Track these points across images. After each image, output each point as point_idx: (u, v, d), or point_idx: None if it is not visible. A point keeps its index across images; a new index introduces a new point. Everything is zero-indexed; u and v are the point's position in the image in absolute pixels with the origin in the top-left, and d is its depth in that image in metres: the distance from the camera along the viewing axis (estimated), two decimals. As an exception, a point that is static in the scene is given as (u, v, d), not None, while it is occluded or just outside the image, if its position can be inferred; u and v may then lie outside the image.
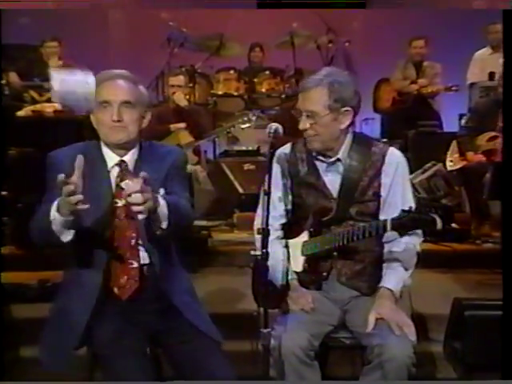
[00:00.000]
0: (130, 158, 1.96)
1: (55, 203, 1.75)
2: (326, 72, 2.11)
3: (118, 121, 1.89)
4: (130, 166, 1.95)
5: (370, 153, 2.15)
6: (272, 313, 1.97)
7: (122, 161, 1.95)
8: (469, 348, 2.46)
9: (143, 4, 6.38)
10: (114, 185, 1.93)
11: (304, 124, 2.10)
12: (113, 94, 1.90)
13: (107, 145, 1.95)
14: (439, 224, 1.85)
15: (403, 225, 1.90)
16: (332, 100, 2.05)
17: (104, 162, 1.95)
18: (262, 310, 1.87)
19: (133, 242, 1.92)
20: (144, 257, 1.95)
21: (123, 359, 1.81)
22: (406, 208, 1.91)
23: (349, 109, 2.09)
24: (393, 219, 1.93)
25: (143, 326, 1.93)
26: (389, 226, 1.93)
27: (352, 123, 2.15)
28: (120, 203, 1.90)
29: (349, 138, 2.16)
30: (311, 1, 5.55)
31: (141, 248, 1.94)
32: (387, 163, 2.14)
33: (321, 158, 2.17)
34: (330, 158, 2.16)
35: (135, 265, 1.92)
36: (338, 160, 2.15)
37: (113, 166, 1.95)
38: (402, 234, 1.98)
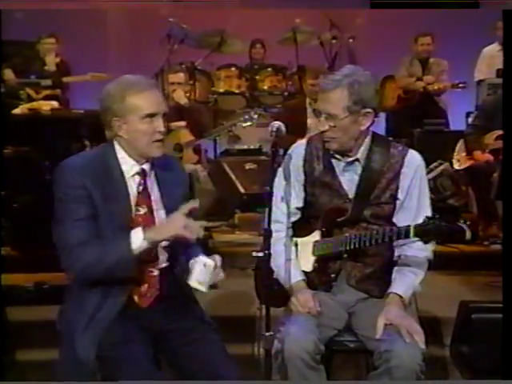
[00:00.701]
0: (148, 166, 1.95)
1: (139, 234, 1.79)
2: (347, 71, 2.06)
3: (162, 133, 1.89)
4: (148, 174, 1.96)
5: (388, 154, 2.11)
6: (275, 315, 1.94)
7: (143, 169, 1.94)
8: (476, 352, 2.47)
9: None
10: (135, 192, 1.92)
11: (323, 126, 2.06)
12: (157, 105, 1.88)
13: (128, 153, 1.92)
14: (468, 235, 1.81)
15: (428, 232, 1.87)
16: (351, 102, 2.01)
17: (120, 169, 1.92)
18: (264, 312, 1.85)
19: (153, 250, 1.92)
20: (163, 260, 1.96)
21: (129, 363, 1.80)
22: (429, 214, 1.87)
23: (370, 110, 2.04)
24: (416, 226, 1.89)
25: (150, 328, 1.91)
26: (412, 233, 1.89)
27: (372, 123, 2.10)
28: (142, 211, 1.91)
29: (368, 138, 2.12)
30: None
31: (160, 254, 1.94)
32: (406, 166, 2.10)
33: (338, 157, 2.13)
34: (349, 157, 2.12)
35: (155, 273, 1.94)
36: (357, 160, 2.12)
37: (133, 175, 1.93)
38: (425, 242, 1.92)
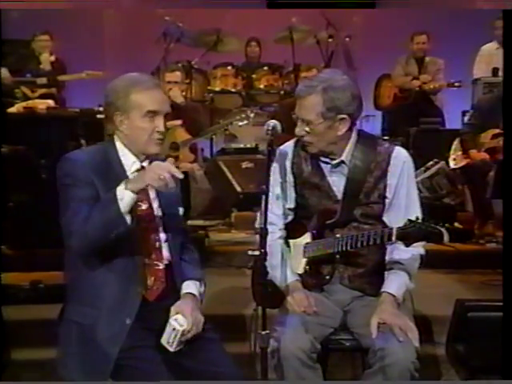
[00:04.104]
0: (146, 164, 1.97)
1: (121, 186, 1.77)
2: (323, 77, 2.05)
3: (161, 133, 1.92)
4: None
5: (375, 153, 2.10)
6: (271, 314, 1.93)
7: (143, 167, 1.95)
8: (472, 350, 2.46)
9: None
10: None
11: (300, 131, 2.07)
12: (159, 104, 1.91)
13: (129, 148, 1.94)
14: (446, 237, 1.84)
15: (409, 235, 1.88)
16: (325, 108, 2.00)
17: (122, 166, 1.94)
18: (260, 311, 1.84)
19: (157, 244, 1.97)
20: (167, 256, 1.99)
21: (145, 369, 1.81)
22: (413, 217, 1.88)
23: (344, 116, 2.03)
24: (398, 229, 1.90)
25: (152, 328, 1.91)
26: (394, 236, 1.90)
27: (354, 125, 2.09)
28: (144, 206, 1.94)
29: (353, 138, 2.11)
30: (320, 0, 5.47)
31: (164, 249, 1.98)
32: (393, 163, 2.09)
33: (324, 159, 2.12)
34: (334, 159, 2.11)
35: (161, 266, 1.97)
36: (342, 162, 2.11)
37: (134, 172, 1.94)
38: (407, 245, 1.94)
